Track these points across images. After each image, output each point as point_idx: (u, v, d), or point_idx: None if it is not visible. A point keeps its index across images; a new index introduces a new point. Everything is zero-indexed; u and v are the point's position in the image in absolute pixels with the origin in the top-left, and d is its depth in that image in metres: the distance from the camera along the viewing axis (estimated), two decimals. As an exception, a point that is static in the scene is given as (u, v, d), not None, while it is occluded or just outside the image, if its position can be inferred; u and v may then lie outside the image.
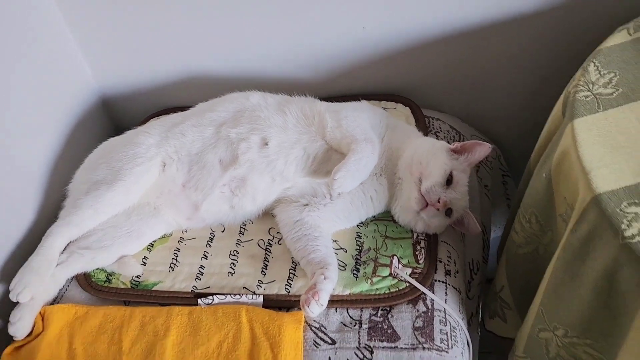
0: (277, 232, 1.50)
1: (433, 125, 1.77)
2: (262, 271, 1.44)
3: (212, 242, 1.53)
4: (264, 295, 1.37)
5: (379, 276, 1.38)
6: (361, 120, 1.48)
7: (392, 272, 1.38)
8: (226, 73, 1.81)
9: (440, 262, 1.42)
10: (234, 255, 1.48)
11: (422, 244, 1.44)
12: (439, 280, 1.39)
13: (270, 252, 1.48)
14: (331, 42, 1.70)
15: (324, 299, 1.28)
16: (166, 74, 1.84)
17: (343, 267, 1.42)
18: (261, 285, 1.40)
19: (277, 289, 1.39)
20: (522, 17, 1.57)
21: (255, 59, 1.78)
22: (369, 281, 1.37)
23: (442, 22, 1.62)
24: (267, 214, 1.54)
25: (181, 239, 1.54)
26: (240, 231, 1.54)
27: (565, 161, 1.15)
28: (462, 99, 1.83)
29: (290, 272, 1.42)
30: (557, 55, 1.63)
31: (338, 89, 1.73)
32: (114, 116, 1.97)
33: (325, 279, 1.30)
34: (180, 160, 1.51)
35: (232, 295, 1.37)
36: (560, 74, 1.51)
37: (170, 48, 1.80)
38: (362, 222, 1.52)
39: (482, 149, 1.45)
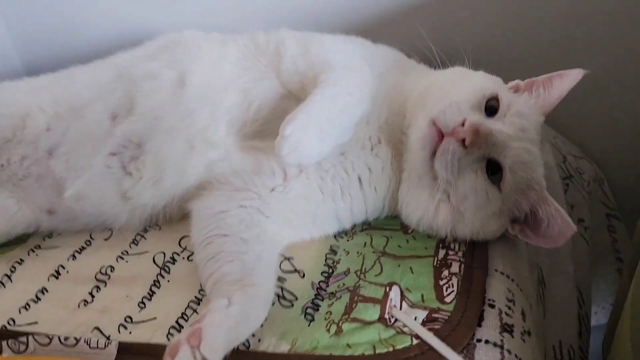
0: (194, 244, 0.82)
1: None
2: (142, 302, 0.75)
3: (80, 253, 0.86)
4: (125, 344, 0.67)
5: (356, 320, 0.65)
6: (346, 47, 0.86)
7: (386, 314, 0.65)
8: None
9: (492, 306, 0.67)
10: (104, 275, 0.81)
11: (454, 268, 0.71)
12: (487, 341, 0.63)
13: (169, 273, 0.80)
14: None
15: (209, 347, 0.57)
16: (107, 39, 1.29)
17: (289, 302, 0.70)
18: (128, 324, 0.71)
19: (151, 333, 0.69)
20: None
21: (233, 18, 1.22)
22: (335, 328, 0.65)
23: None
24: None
25: (36, 247, 0.89)
26: (133, 239, 0.87)
27: None
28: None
29: (189, 307, 0.72)
30: None
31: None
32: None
33: (229, 305, 0.61)
34: (58, 115, 0.91)
35: (64, 340, 0.68)
36: None
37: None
38: (343, 231, 0.82)
39: (567, 79, 0.78)
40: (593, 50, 1.10)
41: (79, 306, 0.76)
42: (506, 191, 0.71)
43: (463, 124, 0.69)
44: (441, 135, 0.71)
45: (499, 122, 0.72)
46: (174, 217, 0.89)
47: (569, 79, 0.77)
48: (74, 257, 0.86)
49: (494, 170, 0.71)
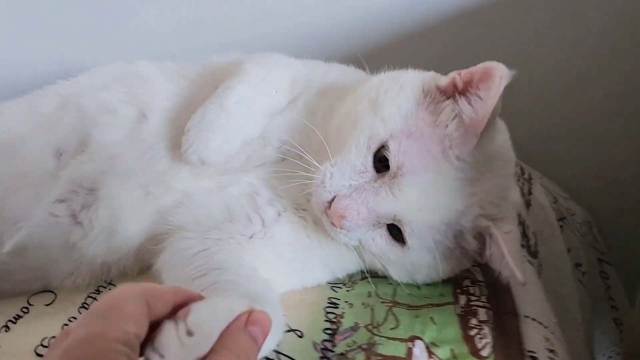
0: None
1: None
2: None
3: (16, 322, 0.70)
4: None
5: (378, 385, 0.53)
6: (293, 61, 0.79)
7: (413, 376, 0.53)
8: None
9: (535, 358, 0.57)
10: (47, 347, 0.64)
11: (482, 316, 0.61)
12: (539, 402, 0.52)
13: (131, 340, 0.64)
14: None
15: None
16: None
17: (290, 367, 0.57)
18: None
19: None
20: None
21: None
22: (353, 397, 0.52)
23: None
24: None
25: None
26: (83, 303, 0.72)
27: None
28: (525, 128, 1.12)
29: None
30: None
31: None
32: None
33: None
34: None
35: None
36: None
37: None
38: (341, 280, 0.71)
39: (486, 72, 0.58)
40: (583, 92, 1.08)
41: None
42: (410, 245, 0.61)
43: (330, 204, 0.60)
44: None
45: (384, 191, 0.59)
46: (130, 270, 0.75)
47: (492, 72, 0.57)
48: (7, 328, 0.69)
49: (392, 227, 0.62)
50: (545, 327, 0.63)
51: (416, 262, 0.63)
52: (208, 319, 0.39)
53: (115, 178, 0.71)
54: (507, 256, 0.59)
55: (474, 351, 0.56)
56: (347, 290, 0.68)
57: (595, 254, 1.10)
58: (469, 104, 0.59)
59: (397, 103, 0.61)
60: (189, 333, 0.37)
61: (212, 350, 0.37)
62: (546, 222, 0.93)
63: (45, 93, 0.82)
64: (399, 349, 0.56)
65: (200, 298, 0.42)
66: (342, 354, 0.58)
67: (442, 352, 0.56)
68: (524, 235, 0.85)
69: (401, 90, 0.62)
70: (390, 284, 0.68)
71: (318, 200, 0.61)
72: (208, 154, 0.67)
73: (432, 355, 0.56)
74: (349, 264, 0.71)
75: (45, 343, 0.65)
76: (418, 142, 0.59)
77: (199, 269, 0.62)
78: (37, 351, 0.64)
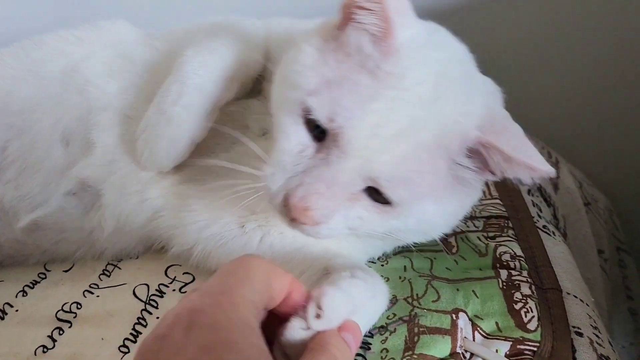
0: (185, 273, 0.66)
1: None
2: (124, 346, 0.58)
3: (33, 287, 0.67)
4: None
5: (424, 357, 0.51)
6: (252, 34, 0.67)
7: (458, 348, 0.51)
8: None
9: (580, 334, 0.55)
10: (69, 312, 0.62)
11: (525, 290, 0.59)
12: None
13: (156, 308, 0.62)
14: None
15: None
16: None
17: (328, 337, 0.54)
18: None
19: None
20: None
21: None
22: (398, 367, 0.49)
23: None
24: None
25: (-28, 282, 0.68)
26: (104, 270, 0.69)
27: None
28: (546, 113, 1.10)
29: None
30: None
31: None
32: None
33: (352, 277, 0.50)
34: None
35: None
36: None
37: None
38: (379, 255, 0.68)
39: None
40: (603, 79, 1.06)
41: (35, 354, 0.57)
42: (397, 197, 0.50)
43: (287, 201, 0.49)
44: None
45: (334, 155, 0.48)
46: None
47: None
48: (24, 292, 0.67)
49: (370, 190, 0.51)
50: (587, 305, 0.61)
51: (422, 217, 0.52)
52: (340, 305, 0.41)
53: (115, 185, 0.67)
54: (512, 155, 0.48)
55: (520, 324, 0.54)
56: (382, 265, 0.66)
57: (615, 242, 1.08)
58: (366, 9, 0.49)
59: (299, 62, 0.52)
60: (318, 316, 0.40)
61: (311, 349, 0.38)
62: (573, 206, 0.91)
63: (47, 48, 0.73)
64: (443, 321, 0.54)
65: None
66: (382, 327, 0.55)
67: (487, 325, 0.55)
68: (554, 217, 0.83)
69: (299, 51, 0.53)
70: (427, 257, 0.66)
71: (275, 208, 0.51)
72: (160, 161, 0.63)
73: (476, 328, 0.54)
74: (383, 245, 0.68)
75: (66, 308, 0.62)
76: (341, 83, 0.49)
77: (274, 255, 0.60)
78: (58, 316, 0.62)
